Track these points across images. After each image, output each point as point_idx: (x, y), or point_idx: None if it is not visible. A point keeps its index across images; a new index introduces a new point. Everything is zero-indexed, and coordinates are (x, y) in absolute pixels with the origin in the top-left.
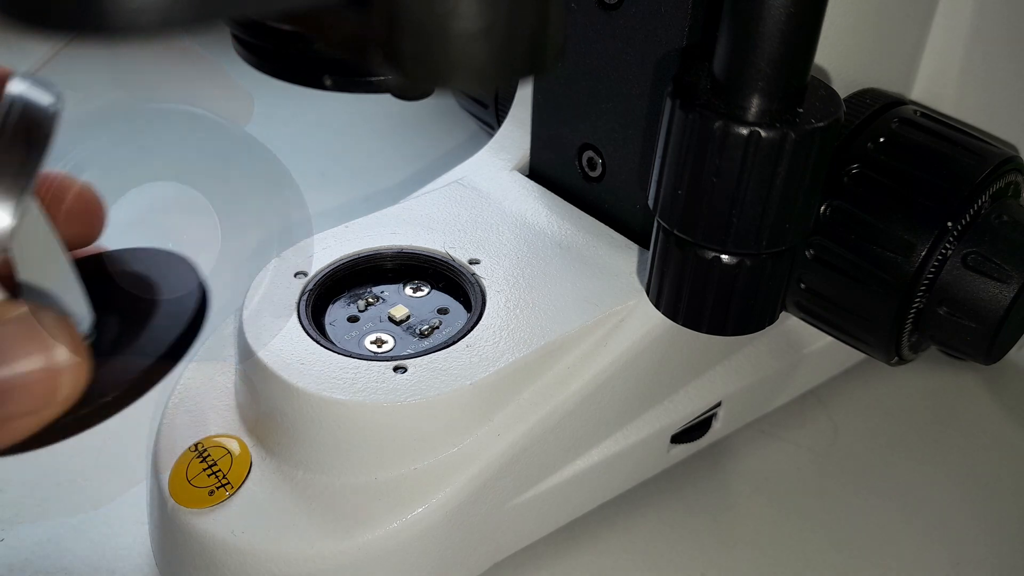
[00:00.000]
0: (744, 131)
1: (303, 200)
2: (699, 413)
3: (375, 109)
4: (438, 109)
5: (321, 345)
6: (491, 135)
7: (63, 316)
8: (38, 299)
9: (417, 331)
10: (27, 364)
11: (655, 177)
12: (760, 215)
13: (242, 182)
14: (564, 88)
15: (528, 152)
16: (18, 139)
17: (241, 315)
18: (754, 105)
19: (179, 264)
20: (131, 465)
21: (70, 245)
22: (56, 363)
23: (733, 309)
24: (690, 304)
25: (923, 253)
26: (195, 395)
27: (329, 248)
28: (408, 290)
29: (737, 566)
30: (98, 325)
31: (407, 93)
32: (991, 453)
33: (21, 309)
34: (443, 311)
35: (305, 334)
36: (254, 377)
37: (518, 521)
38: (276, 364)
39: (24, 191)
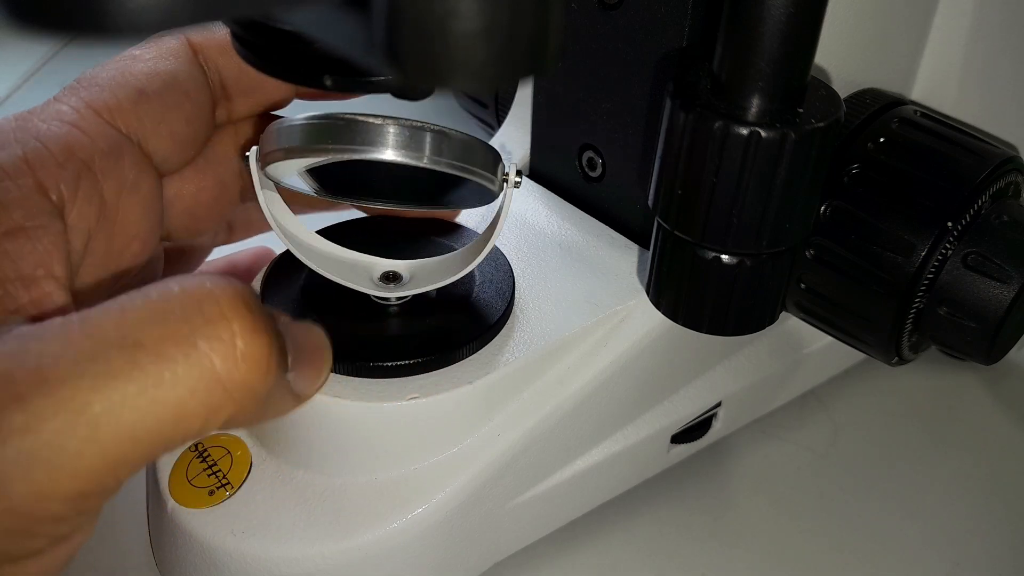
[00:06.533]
0: (744, 131)
1: None
2: (699, 413)
3: (375, 109)
4: (438, 109)
5: None
6: (491, 135)
7: None
8: None
9: None
10: None
11: (655, 177)
12: (760, 215)
13: None
14: (564, 88)
15: (528, 152)
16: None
17: None
18: (754, 105)
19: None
20: None
21: None
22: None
23: (733, 309)
24: (690, 304)
25: (923, 253)
26: None
27: None
28: None
29: (737, 566)
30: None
31: (407, 93)
32: (991, 453)
33: None
34: None
35: None
36: None
37: (518, 521)
38: None
39: None
